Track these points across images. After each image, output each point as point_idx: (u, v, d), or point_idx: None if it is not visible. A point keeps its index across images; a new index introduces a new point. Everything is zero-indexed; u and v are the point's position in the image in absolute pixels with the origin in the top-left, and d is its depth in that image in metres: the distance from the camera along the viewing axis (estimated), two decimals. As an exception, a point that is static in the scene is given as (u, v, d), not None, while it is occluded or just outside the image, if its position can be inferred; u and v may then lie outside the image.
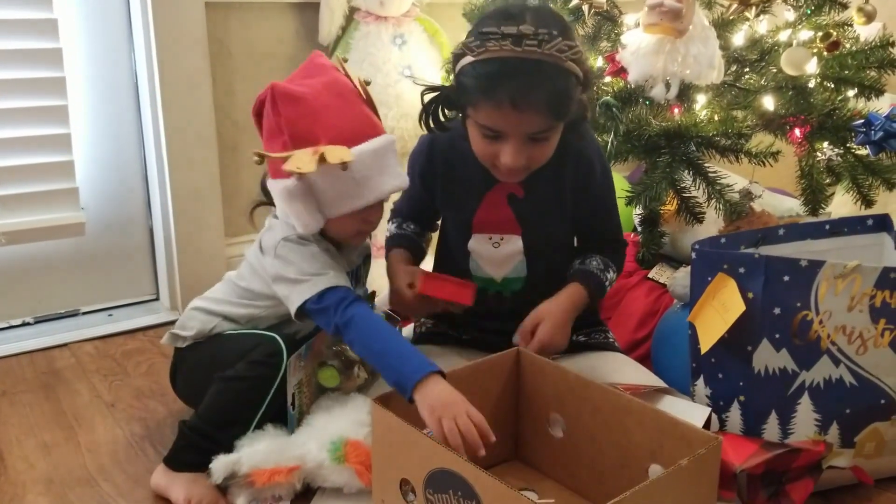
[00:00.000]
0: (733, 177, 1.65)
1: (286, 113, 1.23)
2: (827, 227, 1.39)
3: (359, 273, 1.44)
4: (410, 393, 1.09)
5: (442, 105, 1.34)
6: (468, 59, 1.22)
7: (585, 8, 1.59)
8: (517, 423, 1.29)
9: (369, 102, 1.33)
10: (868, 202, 1.63)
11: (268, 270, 1.29)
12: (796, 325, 1.23)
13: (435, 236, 1.57)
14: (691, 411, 1.26)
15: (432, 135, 1.39)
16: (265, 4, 2.02)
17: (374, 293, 1.50)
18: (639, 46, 1.47)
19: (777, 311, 1.23)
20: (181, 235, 1.95)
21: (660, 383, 1.35)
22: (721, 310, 1.25)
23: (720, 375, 1.29)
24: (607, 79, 1.59)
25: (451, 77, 1.30)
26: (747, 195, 1.61)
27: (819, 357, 1.23)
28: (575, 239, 1.48)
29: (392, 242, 1.49)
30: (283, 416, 1.29)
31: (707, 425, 1.25)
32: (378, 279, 2.02)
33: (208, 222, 1.97)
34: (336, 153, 1.18)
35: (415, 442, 1.03)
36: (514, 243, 1.39)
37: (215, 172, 1.96)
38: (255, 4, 2.00)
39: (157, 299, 2.07)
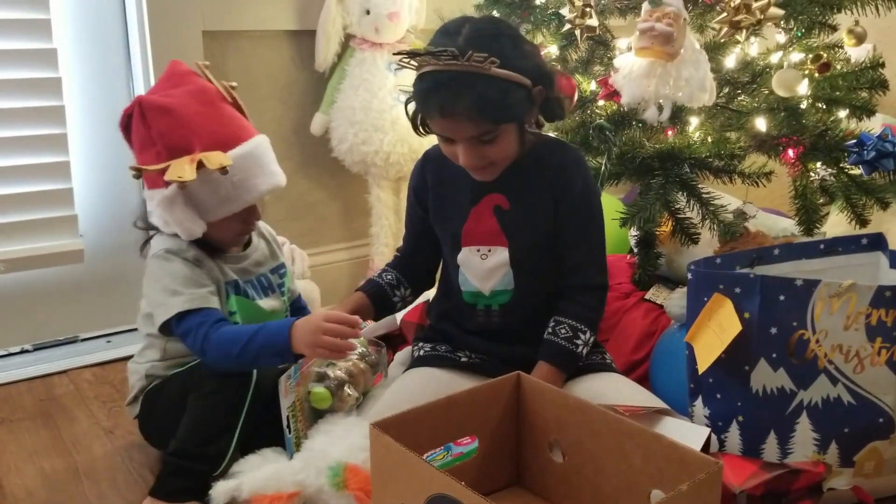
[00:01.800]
0: (727, 197, 1.66)
1: (157, 125, 1.25)
2: (822, 246, 1.40)
3: (270, 281, 1.45)
4: (292, 351, 1.19)
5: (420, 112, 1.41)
6: (417, 73, 1.31)
7: (578, 33, 1.60)
8: (518, 449, 1.28)
9: (236, 105, 1.36)
10: (862, 221, 1.63)
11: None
12: (793, 345, 1.23)
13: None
14: (691, 432, 1.25)
15: (425, 155, 1.48)
16: (262, 32, 2.04)
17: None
18: (631, 70, 1.48)
19: (774, 330, 1.23)
20: (179, 262, 1.94)
21: (659, 404, 1.35)
22: (718, 330, 1.25)
23: (718, 396, 1.29)
24: (600, 102, 1.60)
25: None
26: (741, 215, 1.62)
27: (816, 376, 1.23)
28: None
29: (361, 286, 1.52)
30: (282, 440, 1.29)
31: (707, 446, 1.25)
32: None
33: None
34: (214, 159, 1.21)
35: (413, 467, 1.03)
36: (501, 255, 1.41)
37: (213, 198, 1.96)
38: (253, 33, 2.02)
39: (155, 325, 2.06)
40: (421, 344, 1.54)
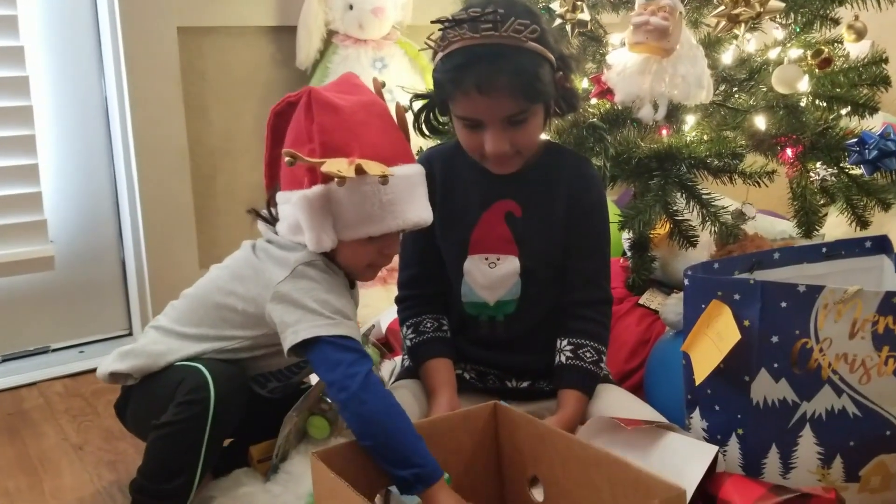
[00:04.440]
0: (725, 199, 1.62)
1: (322, 120, 1.15)
2: (824, 250, 1.36)
3: None
4: (422, 490, 1.03)
5: (431, 109, 1.35)
6: (438, 56, 1.25)
7: (569, 28, 1.55)
8: (502, 488, 1.20)
9: (403, 127, 1.27)
10: (863, 223, 1.60)
11: (271, 285, 1.16)
12: (795, 354, 1.18)
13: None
14: (697, 450, 1.19)
15: (428, 154, 1.40)
16: (240, 29, 2.00)
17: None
18: (625, 67, 1.44)
19: (775, 339, 1.19)
20: (154, 267, 1.91)
21: (661, 419, 1.30)
22: (716, 339, 1.21)
23: (717, 408, 1.24)
24: (593, 101, 1.56)
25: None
26: (740, 216, 1.58)
27: (820, 387, 1.19)
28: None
29: (432, 350, 1.37)
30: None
31: (714, 464, 1.19)
32: (362, 309, 1.97)
33: (182, 253, 1.94)
34: (376, 167, 1.11)
35: (347, 501, 0.94)
36: (511, 263, 1.35)
37: (189, 201, 1.93)
38: (231, 29, 1.98)
39: (129, 334, 2.04)
40: None
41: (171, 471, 1.17)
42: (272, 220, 1.25)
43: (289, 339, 1.13)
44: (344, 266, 1.23)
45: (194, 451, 1.16)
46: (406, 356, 1.43)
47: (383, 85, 1.29)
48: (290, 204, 1.17)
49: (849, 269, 1.35)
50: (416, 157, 1.35)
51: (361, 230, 1.17)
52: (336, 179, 1.09)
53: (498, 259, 1.36)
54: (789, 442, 1.20)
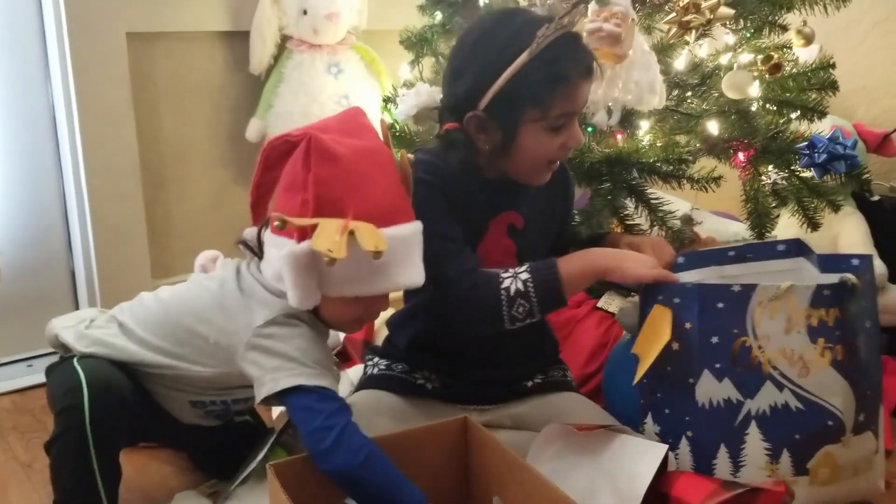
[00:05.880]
0: (676, 202, 1.64)
1: (318, 171, 1.07)
2: (731, 253, 1.37)
3: None
4: None
5: (477, 133, 1.24)
6: (524, 56, 1.18)
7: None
8: (468, 502, 1.19)
9: (406, 180, 1.18)
10: (814, 225, 1.62)
11: (252, 327, 1.12)
12: (736, 353, 1.20)
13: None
14: (648, 450, 1.21)
15: (429, 166, 1.26)
16: (193, 34, 1.96)
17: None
18: (579, 72, 1.44)
19: (715, 339, 1.21)
20: (105, 277, 1.87)
21: (613, 421, 1.30)
22: (654, 340, 1.23)
23: (667, 411, 1.26)
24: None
25: (490, 98, 1.21)
26: (688, 221, 1.59)
27: (762, 384, 1.20)
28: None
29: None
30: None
31: (665, 464, 1.20)
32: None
33: (134, 263, 1.90)
34: (369, 237, 1.03)
35: None
36: None
37: (140, 210, 1.89)
38: (182, 34, 1.95)
39: (81, 346, 1.97)
40: (377, 360, 1.43)
41: (73, 488, 1.13)
42: (260, 253, 1.19)
43: (267, 386, 1.08)
44: (327, 321, 1.18)
45: (85, 460, 1.11)
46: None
47: (391, 128, 1.22)
48: (281, 253, 1.09)
49: (762, 271, 1.35)
50: (418, 166, 1.25)
51: (348, 290, 1.11)
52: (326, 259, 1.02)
53: None
54: (737, 440, 1.22)
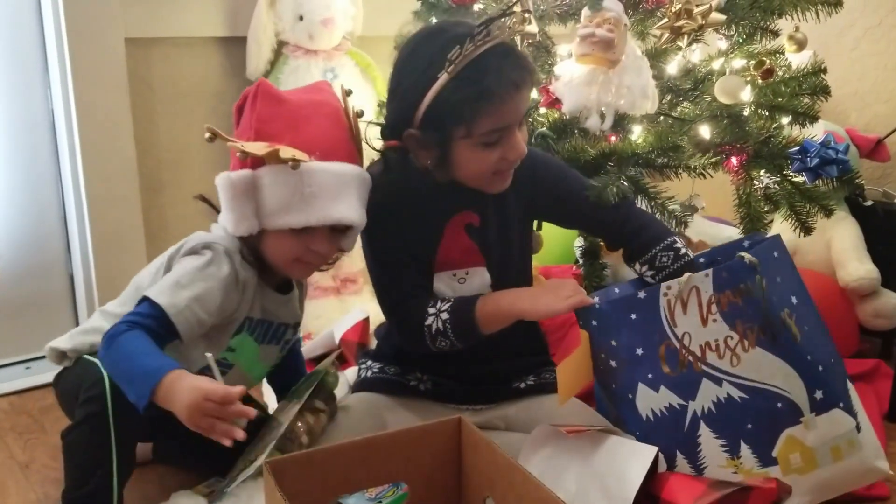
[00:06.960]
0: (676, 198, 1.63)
1: (261, 109, 1.17)
2: (701, 259, 1.38)
3: (280, 333, 1.33)
4: (149, 403, 1.03)
5: (416, 150, 1.24)
6: (443, 77, 1.16)
7: (517, 38, 1.56)
8: (460, 502, 1.19)
9: (357, 136, 1.25)
10: (807, 229, 1.62)
11: (166, 257, 1.23)
12: (663, 358, 1.20)
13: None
14: (637, 451, 1.21)
15: (389, 188, 1.27)
16: (189, 40, 1.97)
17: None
18: (572, 77, 1.45)
19: (640, 351, 1.21)
20: (103, 281, 1.87)
21: (604, 423, 1.31)
22: (574, 366, 1.25)
23: (628, 427, 1.26)
24: (542, 110, 1.57)
25: (421, 111, 1.20)
26: (690, 208, 1.58)
27: (699, 383, 1.20)
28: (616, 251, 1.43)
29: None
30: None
31: (654, 465, 1.20)
32: (314, 320, 1.96)
33: (131, 266, 1.84)
34: (290, 151, 1.11)
35: None
36: (481, 275, 1.33)
37: (138, 213, 1.90)
38: (179, 40, 1.95)
39: (78, 349, 1.97)
40: (370, 363, 1.45)
41: (86, 474, 1.14)
42: (218, 208, 1.25)
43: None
44: (271, 260, 1.23)
45: (103, 450, 1.13)
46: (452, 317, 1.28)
47: (349, 93, 1.26)
48: (219, 185, 1.18)
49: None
50: (380, 190, 1.27)
51: (281, 220, 1.16)
52: (250, 159, 1.12)
53: (467, 273, 1.33)
54: (691, 444, 1.21)
